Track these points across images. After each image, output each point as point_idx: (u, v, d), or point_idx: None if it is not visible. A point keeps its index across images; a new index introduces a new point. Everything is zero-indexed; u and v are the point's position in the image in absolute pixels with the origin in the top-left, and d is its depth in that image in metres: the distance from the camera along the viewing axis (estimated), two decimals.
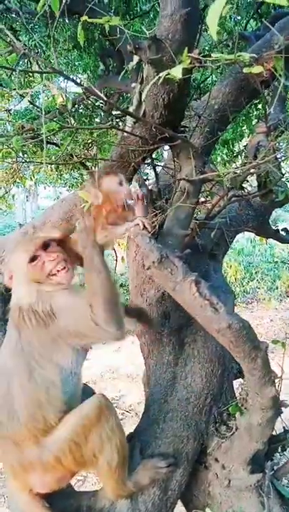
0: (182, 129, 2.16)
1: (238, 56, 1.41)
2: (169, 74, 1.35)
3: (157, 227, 2.03)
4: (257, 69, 1.44)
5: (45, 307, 1.63)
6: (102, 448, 1.62)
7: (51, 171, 6.78)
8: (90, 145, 5.17)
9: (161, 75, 1.18)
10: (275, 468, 1.87)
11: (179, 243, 1.65)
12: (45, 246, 1.72)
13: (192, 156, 1.92)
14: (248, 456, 1.70)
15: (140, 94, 1.77)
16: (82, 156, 2.37)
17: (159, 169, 2.68)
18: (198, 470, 1.94)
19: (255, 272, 10.24)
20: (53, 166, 6.63)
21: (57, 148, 5.95)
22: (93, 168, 2.31)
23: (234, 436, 1.77)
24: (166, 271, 1.41)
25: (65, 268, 1.69)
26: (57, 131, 1.56)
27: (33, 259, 1.67)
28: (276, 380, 1.47)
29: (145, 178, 2.85)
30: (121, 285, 9.09)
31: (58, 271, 1.68)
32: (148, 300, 2.30)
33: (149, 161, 2.40)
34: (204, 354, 2.11)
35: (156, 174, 2.27)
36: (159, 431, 1.89)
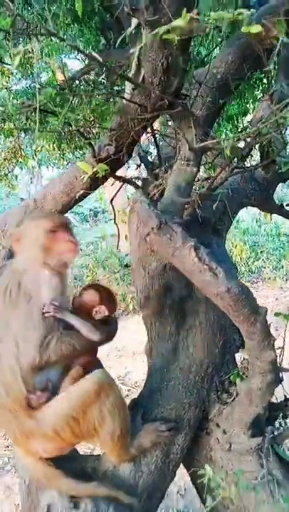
0: (183, 97, 2.12)
1: (238, 15, 1.37)
2: (167, 32, 1.32)
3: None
4: (255, 28, 1.40)
5: (29, 289, 1.63)
6: (104, 422, 1.63)
7: (53, 149, 6.71)
8: (92, 123, 5.11)
9: (158, 29, 1.15)
10: (276, 433, 1.91)
11: (179, 211, 1.65)
12: (65, 225, 1.79)
13: (193, 124, 1.89)
14: (249, 421, 1.73)
15: (139, 58, 1.73)
16: (82, 129, 2.34)
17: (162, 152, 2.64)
18: (199, 436, 1.98)
19: (261, 252, 10.21)
20: (55, 144, 6.57)
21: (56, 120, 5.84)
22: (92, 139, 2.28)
23: (235, 402, 1.80)
24: (166, 237, 1.41)
25: (75, 250, 1.75)
26: (54, 97, 1.54)
27: (53, 229, 1.73)
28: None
29: (146, 151, 2.82)
30: (126, 265, 9.14)
31: (70, 250, 1.74)
32: (150, 272, 2.31)
33: (149, 134, 2.38)
34: (206, 325, 2.13)
35: (157, 143, 2.24)
36: (161, 398, 1.92)
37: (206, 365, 2.02)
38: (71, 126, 1.89)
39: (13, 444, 1.71)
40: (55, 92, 1.49)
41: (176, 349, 2.08)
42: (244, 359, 1.98)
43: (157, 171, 2.09)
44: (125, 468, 1.75)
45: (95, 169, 2.01)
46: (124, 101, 1.88)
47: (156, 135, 2.38)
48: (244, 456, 1.78)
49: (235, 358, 2.19)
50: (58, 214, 1.85)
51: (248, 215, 11.81)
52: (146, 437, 1.77)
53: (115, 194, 2.69)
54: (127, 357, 6.59)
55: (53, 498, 1.61)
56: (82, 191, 2.31)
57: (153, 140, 2.25)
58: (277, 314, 2.43)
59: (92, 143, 2.14)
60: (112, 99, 2.39)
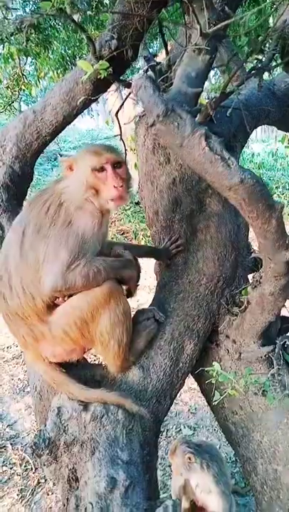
0: None
1: None
2: None
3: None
4: None
5: (70, 214, 1.61)
6: (113, 329, 1.64)
7: (58, 77, 6.32)
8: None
9: None
10: (287, 344, 1.87)
11: (188, 102, 1.47)
12: (115, 164, 1.67)
13: (205, 5, 1.65)
14: (260, 330, 1.69)
15: None
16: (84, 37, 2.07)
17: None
18: (209, 348, 1.97)
19: (276, 187, 9.86)
20: (59, 71, 6.18)
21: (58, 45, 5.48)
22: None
23: (246, 312, 1.75)
24: (173, 125, 1.26)
25: (121, 196, 1.66)
26: None
27: (99, 168, 1.64)
28: None
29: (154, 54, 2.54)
30: (137, 203, 8.97)
31: (113, 199, 1.66)
32: (158, 187, 2.18)
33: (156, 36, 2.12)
34: (217, 239, 2.03)
35: (163, 36, 2.00)
36: (170, 309, 1.89)
37: (217, 279, 1.96)
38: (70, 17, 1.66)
39: (22, 349, 1.72)
40: None
41: (185, 263, 2.01)
42: (256, 272, 1.91)
43: (163, 62, 1.87)
44: (134, 375, 1.76)
45: (96, 66, 1.82)
46: None
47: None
48: (254, 365, 1.76)
49: (247, 272, 2.11)
50: (110, 149, 1.70)
51: (263, 150, 11.28)
52: (139, 340, 1.78)
53: (121, 105, 2.49)
54: (139, 290, 6.66)
55: (63, 401, 1.63)
56: (83, 98, 2.12)
57: (159, 31, 1.99)
58: None
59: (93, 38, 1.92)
60: None
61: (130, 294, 1.86)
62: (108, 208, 1.70)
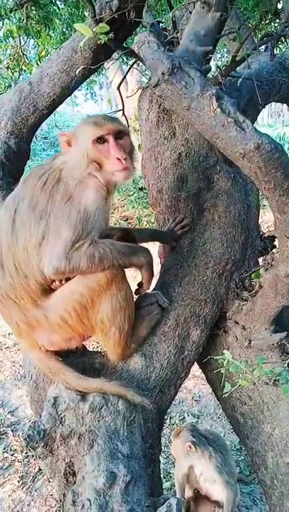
0: None
1: None
2: None
3: None
4: None
5: (71, 189, 1.49)
6: (113, 316, 1.53)
7: None
8: None
9: None
10: None
11: (198, 61, 1.32)
12: (118, 134, 1.53)
13: None
14: (272, 315, 1.56)
15: None
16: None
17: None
18: (217, 334, 1.85)
19: None
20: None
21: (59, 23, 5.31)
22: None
23: (257, 296, 1.62)
24: (180, 84, 1.12)
25: (126, 169, 1.52)
26: None
27: (100, 139, 1.51)
28: None
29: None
30: (140, 188, 8.80)
31: (119, 171, 1.53)
32: (163, 163, 2.04)
33: None
34: (226, 219, 1.90)
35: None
36: (175, 294, 1.76)
37: (225, 262, 1.83)
38: None
39: (17, 336, 1.61)
40: None
41: (191, 245, 1.88)
42: (268, 254, 1.78)
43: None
44: (136, 363, 1.65)
45: (95, 30, 1.66)
46: None
47: None
48: (265, 352, 1.64)
49: (257, 254, 1.98)
50: (111, 119, 1.57)
51: (271, 133, 11.03)
52: (142, 326, 1.68)
53: (124, 77, 2.33)
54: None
55: (60, 391, 1.52)
56: (82, 67, 1.97)
57: None
58: None
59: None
60: None
61: (141, 288, 1.74)
62: (115, 181, 1.56)
